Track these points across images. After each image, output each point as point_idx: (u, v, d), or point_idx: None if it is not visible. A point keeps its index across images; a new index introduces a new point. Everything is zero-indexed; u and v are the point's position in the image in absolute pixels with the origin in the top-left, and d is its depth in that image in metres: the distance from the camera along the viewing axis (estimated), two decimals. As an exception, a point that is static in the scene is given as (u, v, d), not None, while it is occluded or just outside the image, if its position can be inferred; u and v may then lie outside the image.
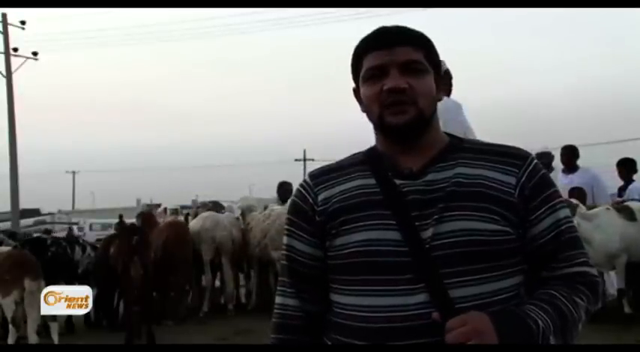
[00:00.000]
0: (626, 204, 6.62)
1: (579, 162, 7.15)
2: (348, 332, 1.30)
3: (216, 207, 9.21)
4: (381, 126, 1.35)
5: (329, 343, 1.35)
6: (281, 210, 7.58)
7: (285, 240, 1.44)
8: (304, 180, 1.43)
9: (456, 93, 4.52)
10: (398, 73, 1.30)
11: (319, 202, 1.36)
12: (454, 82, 4.45)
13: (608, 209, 6.38)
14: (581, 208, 6.28)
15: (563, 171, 7.09)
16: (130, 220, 8.87)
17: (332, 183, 1.38)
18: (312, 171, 1.45)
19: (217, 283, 8.44)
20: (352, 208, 1.31)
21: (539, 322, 1.19)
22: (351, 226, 1.30)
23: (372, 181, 1.33)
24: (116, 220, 8.19)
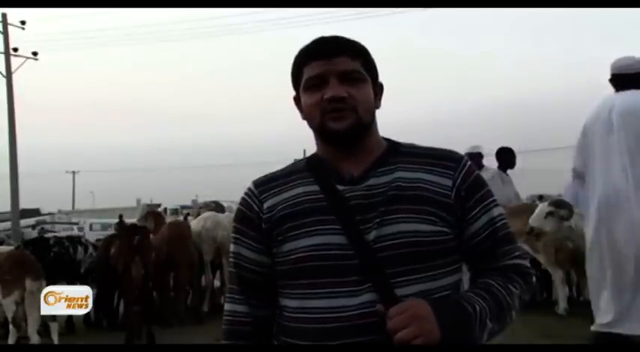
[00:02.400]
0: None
1: None
2: (298, 335, 1.34)
3: (218, 207, 9.21)
4: (322, 133, 1.40)
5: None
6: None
7: (232, 247, 1.48)
8: (249, 188, 1.46)
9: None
10: (337, 82, 1.35)
11: (265, 210, 1.40)
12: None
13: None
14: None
15: None
16: (129, 220, 8.87)
17: (276, 190, 1.42)
18: (257, 180, 1.48)
19: (217, 283, 8.44)
20: (297, 215, 1.36)
21: (477, 307, 1.27)
22: (297, 232, 1.34)
23: (316, 188, 1.38)
24: (116, 220, 8.16)
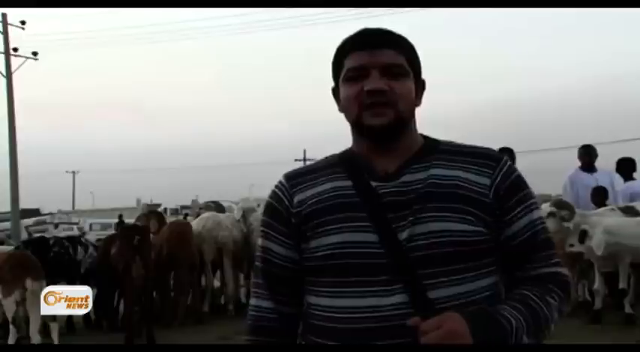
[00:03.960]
0: (631, 204, 6.60)
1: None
2: (324, 334, 1.30)
3: (218, 207, 9.21)
4: (358, 127, 1.35)
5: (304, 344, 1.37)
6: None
7: (260, 241, 1.43)
8: (280, 182, 1.42)
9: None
10: (379, 75, 1.30)
11: (295, 204, 1.36)
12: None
13: (613, 209, 6.37)
14: (580, 210, 6.28)
15: (583, 169, 7.16)
16: (129, 220, 8.88)
17: (308, 184, 1.37)
18: (288, 173, 1.43)
19: (217, 283, 8.44)
20: (327, 210, 1.31)
21: (513, 321, 1.21)
22: (326, 228, 1.30)
23: (348, 183, 1.33)
24: (116, 220, 8.17)
